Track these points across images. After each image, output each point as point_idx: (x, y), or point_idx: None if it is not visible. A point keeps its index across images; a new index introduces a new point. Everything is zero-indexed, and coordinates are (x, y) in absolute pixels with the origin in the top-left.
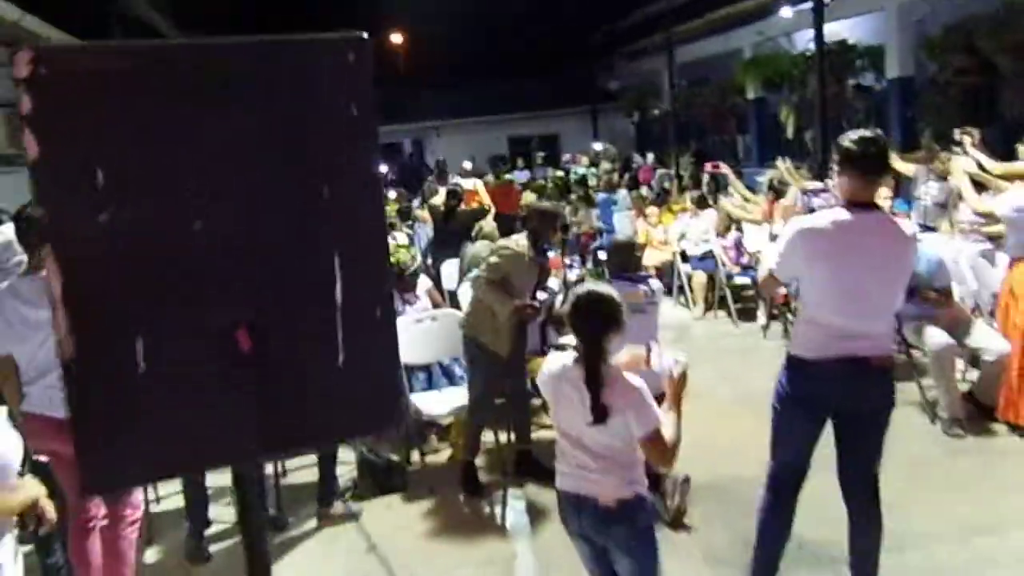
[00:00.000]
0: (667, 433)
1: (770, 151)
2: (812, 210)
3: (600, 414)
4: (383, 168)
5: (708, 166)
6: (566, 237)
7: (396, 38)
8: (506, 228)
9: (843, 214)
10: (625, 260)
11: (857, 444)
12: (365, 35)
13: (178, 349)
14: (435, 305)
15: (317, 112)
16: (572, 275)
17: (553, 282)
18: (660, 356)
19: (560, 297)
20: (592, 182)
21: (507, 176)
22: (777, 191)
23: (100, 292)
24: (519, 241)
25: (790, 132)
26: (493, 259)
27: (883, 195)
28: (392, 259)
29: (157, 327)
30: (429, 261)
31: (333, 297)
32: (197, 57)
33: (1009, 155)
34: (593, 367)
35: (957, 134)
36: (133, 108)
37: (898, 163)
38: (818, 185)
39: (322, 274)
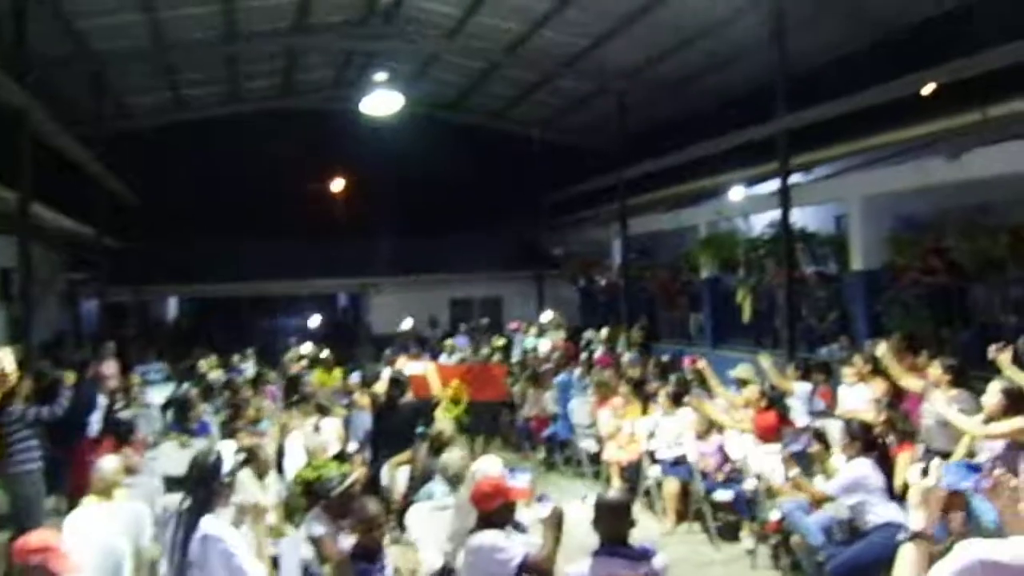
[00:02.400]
0: None
1: (724, 332)
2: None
3: None
4: (313, 321)
5: (687, 361)
6: (513, 418)
7: (336, 185)
8: (486, 420)
9: None
10: (619, 527)
11: None
12: None
13: None
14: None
15: None
16: (545, 510)
17: (524, 515)
18: None
19: (536, 536)
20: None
21: (452, 342)
22: (771, 399)
23: None
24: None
25: (746, 315)
26: None
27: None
28: (313, 475)
29: None
30: (367, 455)
31: None
32: None
33: (981, 360)
34: None
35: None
36: None
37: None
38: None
39: None
